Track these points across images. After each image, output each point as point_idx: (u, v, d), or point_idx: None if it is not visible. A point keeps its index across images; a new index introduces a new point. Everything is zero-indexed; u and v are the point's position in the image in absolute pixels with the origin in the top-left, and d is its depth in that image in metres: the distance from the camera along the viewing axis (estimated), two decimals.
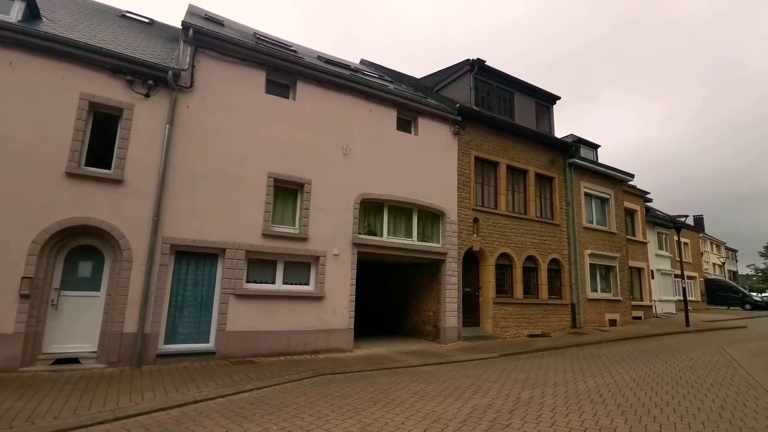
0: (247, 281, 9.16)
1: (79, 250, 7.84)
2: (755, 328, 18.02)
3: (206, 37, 9.23)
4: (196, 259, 8.75)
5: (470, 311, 12.97)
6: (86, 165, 7.91)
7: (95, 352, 7.62)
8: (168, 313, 8.31)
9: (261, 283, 9.34)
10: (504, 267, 13.76)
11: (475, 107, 14.21)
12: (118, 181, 7.97)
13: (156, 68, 8.46)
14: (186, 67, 8.89)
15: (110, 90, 8.17)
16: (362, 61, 18.46)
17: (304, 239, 9.77)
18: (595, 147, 20.37)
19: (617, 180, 18.60)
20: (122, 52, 8.37)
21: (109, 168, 8.08)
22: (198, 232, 8.58)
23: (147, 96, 8.47)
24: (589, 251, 16.30)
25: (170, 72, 8.50)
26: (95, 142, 8.10)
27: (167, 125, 8.47)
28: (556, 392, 6.62)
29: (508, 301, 13.43)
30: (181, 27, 9.33)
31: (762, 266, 59.60)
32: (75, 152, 7.68)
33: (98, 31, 9.38)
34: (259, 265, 9.38)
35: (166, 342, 8.22)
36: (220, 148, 9.08)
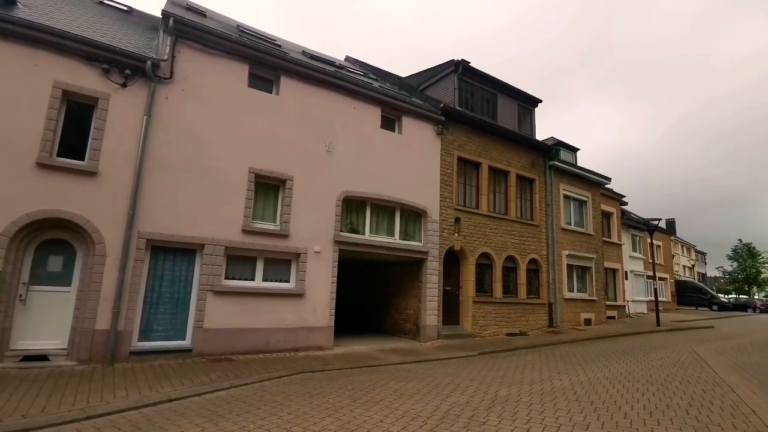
0: (226, 278, 9.02)
1: (50, 243, 7.57)
2: (722, 328, 18.74)
3: (187, 27, 9.02)
4: (173, 255, 8.56)
5: (450, 310, 13.08)
6: (59, 156, 7.64)
7: (65, 349, 7.37)
8: (143, 309, 8.11)
9: (240, 279, 9.20)
10: (484, 266, 13.92)
11: (458, 108, 14.32)
12: (91, 173, 7.72)
13: (134, 57, 8.23)
14: (165, 57, 8.67)
15: (85, 78, 7.90)
16: (347, 58, 18.37)
17: (285, 236, 9.67)
18: (574, 150, 20.79)
19: (595, 183, 19.04)
20: (99, 39, 8.11)
21: (83, 159, 7.83)
22: (175, 227, 8.40)
23: (124, 86, 8.22)
24: (566, 252, 16.64)
25: (149, 62, 8.28)
26: (69, 132, 7.83)
27: (145, 116, 8.25)
28: (532, 390, 6.74)
29: (487, 300, 13.60)
30: (161, 16, 9.10)
31: (729, 269, 62.10)
32: (47, 142, 7.41)
33: (74, 18, 9.06)
34: (239, 261, 9.24)
35: (141, 339, 8.02)
36: (200, 141, 8.90)
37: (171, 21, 8.78)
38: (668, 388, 6.92)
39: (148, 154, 8.25)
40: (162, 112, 8.54)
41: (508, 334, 13.74)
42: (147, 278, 8.22)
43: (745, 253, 58.36)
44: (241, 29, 12.19)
